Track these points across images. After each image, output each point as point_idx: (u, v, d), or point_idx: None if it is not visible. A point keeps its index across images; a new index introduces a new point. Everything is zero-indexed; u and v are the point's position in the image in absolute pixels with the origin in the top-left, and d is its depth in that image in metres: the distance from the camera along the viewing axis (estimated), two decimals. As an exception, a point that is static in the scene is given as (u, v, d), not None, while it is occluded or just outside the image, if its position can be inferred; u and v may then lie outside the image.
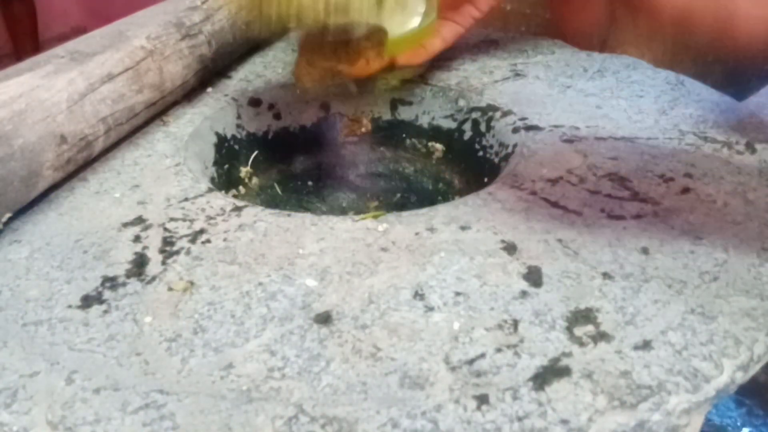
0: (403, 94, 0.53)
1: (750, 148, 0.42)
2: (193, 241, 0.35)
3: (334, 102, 0.53)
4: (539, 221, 0.36)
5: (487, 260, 0.33)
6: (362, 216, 0.36)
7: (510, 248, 0.34)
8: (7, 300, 0.31)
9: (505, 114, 0.48)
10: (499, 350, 0.28)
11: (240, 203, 0.38)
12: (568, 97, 0.49)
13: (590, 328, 0.29)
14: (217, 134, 0.49)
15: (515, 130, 0.46)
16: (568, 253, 0.33)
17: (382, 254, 0.34)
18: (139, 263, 0.33)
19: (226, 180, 0.49)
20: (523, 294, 0.31)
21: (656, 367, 0.27)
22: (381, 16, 0.41)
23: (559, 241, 0.34)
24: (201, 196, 0.39)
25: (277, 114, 0.53)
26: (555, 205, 0.37)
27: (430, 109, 0.53)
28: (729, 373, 0.27)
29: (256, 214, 0.37)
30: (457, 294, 0.31)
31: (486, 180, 0.47)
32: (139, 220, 0.37)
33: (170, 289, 0.32)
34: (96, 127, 0.40)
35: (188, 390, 0.26)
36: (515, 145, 0.45)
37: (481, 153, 0.50)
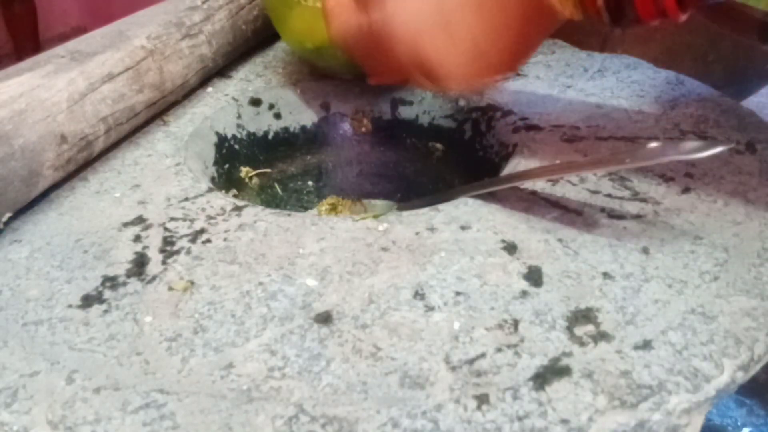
0: (404, 93, 0.53)
1: (750, 148, 0.42)
2: (193, 240, 0.35)
3: (335, 102, 0.53)
4: (539, 221, 0.36)
5: (487, 260, 0.33)
6: (362, 216, 0.37)
7: (510, 248, 0.34)
8: (8, 300, 0.31)
9: (506, 114, 0.48)
10: (499, 350, 0.28)
11: (240, 203, 0.38)
12: (568, 97, 0.49)
13: (590, 327, 0.29)
14: (218, 134, 0.49)
15: (515, 130, 0.46)
16: (568, 253, 0.33)
17: (382, 254, 0.34)
18: (140, 263, 0.33)
19: (226, 180, 0.49)
20: (524, 294, 0.31)
21: (656, 366, 0.27)
22: None
23: (560, 240, 0.34)
24: (201, 195, 0.39)
25: (277, 114, 0.53)
26: (555, 205, 0.37)
27: (430, 109, 0.53)
28: (729, 373, 0.27)
29: (256, 214, 0.37)
30: (458, 294, 0.31)
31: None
32: (140, 220, 0.37)
33: (170, 288, 0.32)
34: (96, 127, 0.40)
35: (188, 389, 0.26)
36: (515, 145, 0.45)
37: (481, 153, 0.50)
